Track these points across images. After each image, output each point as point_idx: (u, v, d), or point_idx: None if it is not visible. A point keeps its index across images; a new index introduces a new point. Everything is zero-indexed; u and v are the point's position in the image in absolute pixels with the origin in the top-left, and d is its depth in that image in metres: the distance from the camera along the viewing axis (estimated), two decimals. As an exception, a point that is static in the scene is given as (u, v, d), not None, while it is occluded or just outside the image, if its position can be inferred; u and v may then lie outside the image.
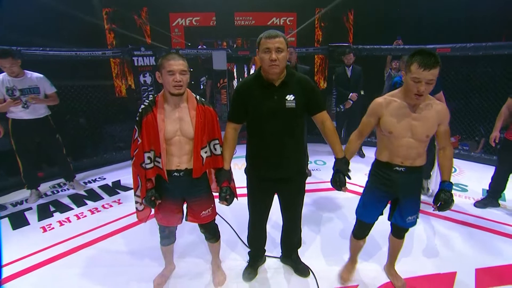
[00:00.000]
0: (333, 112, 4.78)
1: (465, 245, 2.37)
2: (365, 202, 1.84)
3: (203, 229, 1.93)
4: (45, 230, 2.67)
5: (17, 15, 4.59)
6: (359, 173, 3.00)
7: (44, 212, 2.98)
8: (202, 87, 6.96)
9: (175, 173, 1.70)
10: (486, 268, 2.11)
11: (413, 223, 1.80)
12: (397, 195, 1.75)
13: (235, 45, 7.46)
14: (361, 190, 1.94)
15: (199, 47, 7.16)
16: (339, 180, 1.72)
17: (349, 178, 1.75)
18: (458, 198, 3.12)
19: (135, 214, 1.86)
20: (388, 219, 1.84)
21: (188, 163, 1.69)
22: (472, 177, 3.64)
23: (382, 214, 1.83)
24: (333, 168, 1.77)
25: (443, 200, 1.64)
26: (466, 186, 3.42)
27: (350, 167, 1.77)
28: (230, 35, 7.62)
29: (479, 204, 2.93)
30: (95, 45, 5.09)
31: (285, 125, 1.67)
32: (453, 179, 3.56)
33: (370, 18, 6.60)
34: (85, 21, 5.86)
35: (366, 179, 1.84)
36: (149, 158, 1.66)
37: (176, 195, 1.77)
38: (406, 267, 2.08)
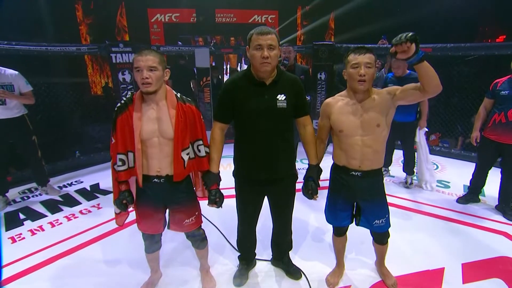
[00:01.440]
0: (318, 111, 4.79)
1: (450, 241, 2.42)
2: (329, 208, 1.85)
3: (188, 237, 1.84)
4: (14, 241, 2.45)
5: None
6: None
7: (12, 221, 2.74)
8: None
9: (155, 179, 1.59)
10: (472, 263, 2.16)
11: (382, 227, 1.77)
12: (356, 200, 1.75)
13: (213, 41, 7.34)
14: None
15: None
16: (311, 188, 1.71)
17: (319, 185, 1.74)
18: (441, 195, 3.21)
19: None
20: (356, 224, 1.83)
21: (169, 169, 1.59)
22: (453, 174, 3.75)
23: (350, 220, 1.83)
24: (304, 176, 1.76)
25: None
26: (449, 182, 3.51)
27: (326, 164, 1.78)
28: (211, 32, 7.49)
29: (461, 200, 3.01)
30: (68, 40, 4.81)
31: (275, 125, 1.62)
32: (435, 176, 3.67)
33: (352, 17, 6.70)
34: (57, 14, 5.53)
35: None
36: (121, 160, 1.55)
37: (157, 202, 1.67)
38: (396, 265, 2.08)
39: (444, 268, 2.10)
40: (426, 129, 3.23)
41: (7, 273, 2.07)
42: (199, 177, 1.78)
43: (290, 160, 1.79)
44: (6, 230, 2.60)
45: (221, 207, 1.72)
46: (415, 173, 3.35)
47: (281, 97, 1.59)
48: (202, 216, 1.83)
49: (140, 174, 1.57)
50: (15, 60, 3.37)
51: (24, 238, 2.49)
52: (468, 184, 3.03)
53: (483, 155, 2.84)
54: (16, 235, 2.52)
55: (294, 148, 1.85)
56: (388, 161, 3.48)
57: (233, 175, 1.81)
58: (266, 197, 1.84)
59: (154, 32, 7.44)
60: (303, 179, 1.76)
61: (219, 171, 1.72)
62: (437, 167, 3.97)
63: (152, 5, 7.25)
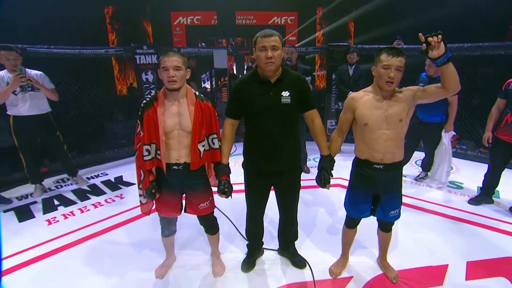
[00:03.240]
0: (332, 111, 4.85)
1: (457, 240, 2.43)
2: (350, 200, 1.92)
3: (202, 222, 2.00)
4: (50, 223, 2.75)
5: (21, 14, 4.67)
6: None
7: (48, 206, 3.06)
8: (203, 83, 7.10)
9: (174, 166, 1.77)
10: (477, 261, 2.17)
11: (396, 217, 1.86)
12: (377, 191, 1.81)
13: (234, 42, 7.53)
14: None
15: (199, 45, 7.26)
16: (323, 178, 1.80)
17: (332, 176, 1.83)
18: (453, 195, 3.18)
19: (139, 208, 1.96)
20: (373, 215, 1.90)
21: (187, 157, 1.76)
22: (467, 175, 3.69)
23: (370, 212, 1.89)
24: (318, 166, 1.85)
25: None
26: (462, 183, 3.47)
27: (336, 163, 1.84)
28: (231, 34, 7.68)
29: (473, 201, 2.97)
30: (97, 43, 5.16)
31: (280, 120, 1.74)
32: (449, 177, 3.65)
33: (370, 18, 6.65)
34: (87, 19, 5.94)
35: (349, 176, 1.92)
36: (147, 150, 1.74)
37: (175, 187, 1.84)
38: (399, 260, 2.14)
39: (448, 265, 2.13)
40: (454, 133, 3.20)
41: (43, 250, 2.35)
42: (211, 168, 1.95)
43: (295, 154, 1.90)
44: (43, 214, 2.92)
45: (230, 197, 1.85)
46: (430, 171, 3.38)
47: (285, 93, 1.71)
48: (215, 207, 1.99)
49: (164, 162, 1.75)
50: (50, 62, 3.72)
51: (58, 221, 2.79)
52: (481, 186, 2.99)
53: (495, 155, 2.80)
54: (51, 218, 2.83)
55: (300, 143, 1.95)
56: (406, 159, 3.42)
57: (242, 167, 1.95)
58: (273, 189, 1.96)
59: (176, 35, 7.75)
60: (317, 169, 1.86)
61: (228, 162, 1.87)
62: (452, 168, 3.91)
63: (175, 8, 7.55)
